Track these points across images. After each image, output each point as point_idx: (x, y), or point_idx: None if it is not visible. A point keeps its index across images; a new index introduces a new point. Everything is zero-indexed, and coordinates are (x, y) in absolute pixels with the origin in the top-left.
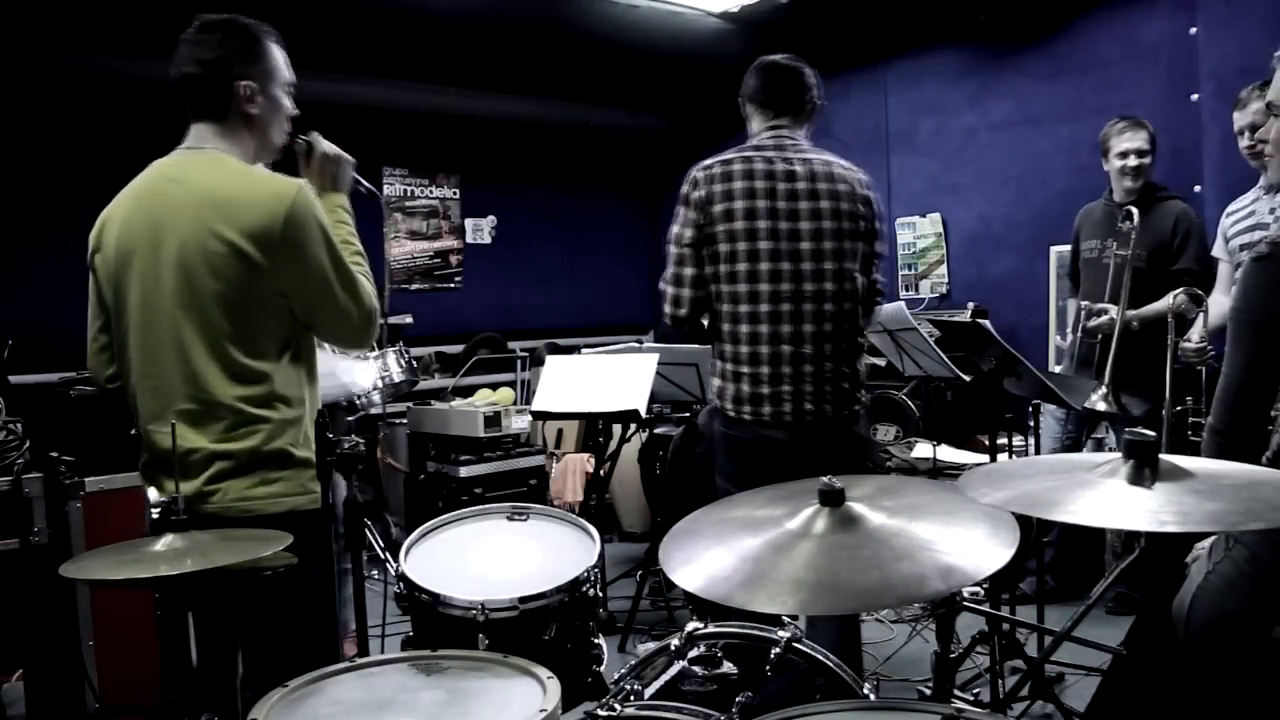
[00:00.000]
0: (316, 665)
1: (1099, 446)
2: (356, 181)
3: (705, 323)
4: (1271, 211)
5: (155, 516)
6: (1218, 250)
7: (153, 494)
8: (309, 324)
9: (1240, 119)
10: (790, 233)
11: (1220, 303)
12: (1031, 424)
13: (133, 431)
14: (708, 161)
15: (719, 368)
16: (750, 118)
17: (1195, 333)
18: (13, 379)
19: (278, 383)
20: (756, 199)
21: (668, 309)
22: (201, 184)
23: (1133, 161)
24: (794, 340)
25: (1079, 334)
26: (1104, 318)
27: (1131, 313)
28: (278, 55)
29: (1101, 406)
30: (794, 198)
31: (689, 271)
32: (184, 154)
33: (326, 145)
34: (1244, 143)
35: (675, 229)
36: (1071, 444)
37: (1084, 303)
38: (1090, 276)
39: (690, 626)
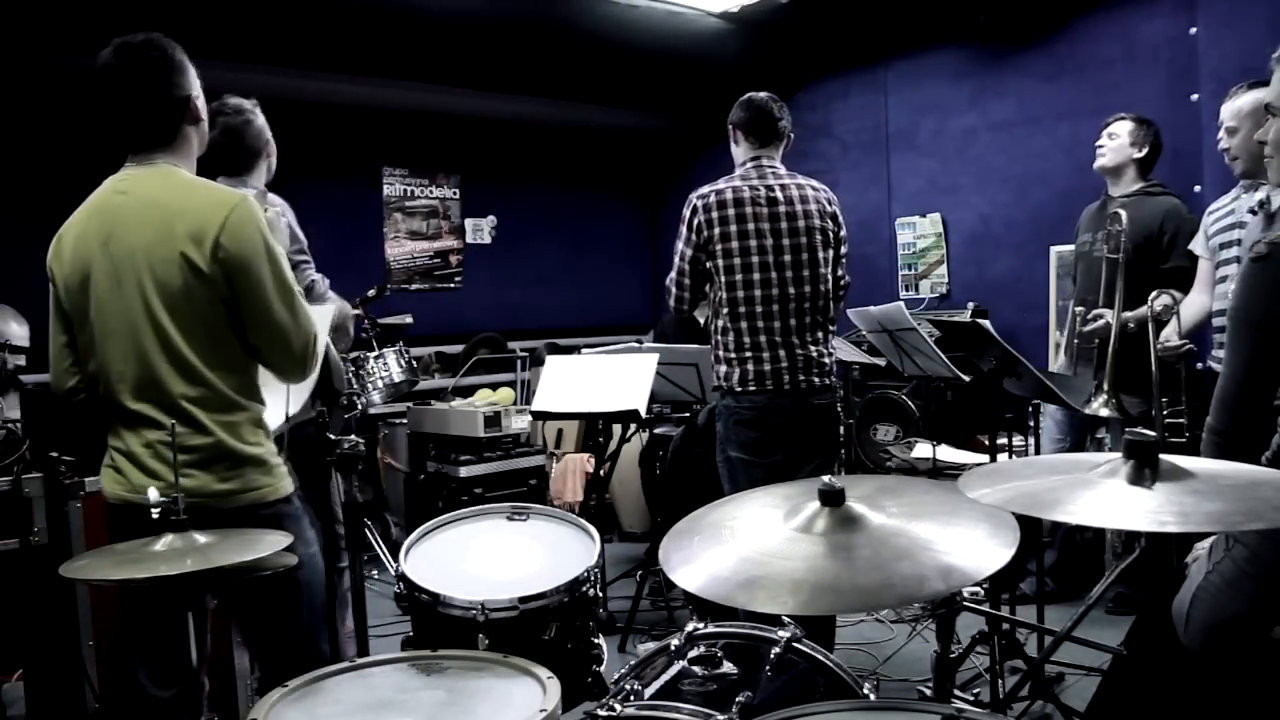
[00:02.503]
0: (307, 655)
1: (1099, 448)
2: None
3: (702, 321)
4: (1250, 211)
5: (155, 516)
6: (1198, 248)
7: (152, 494)
8: (252, 343)
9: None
10: (775, 247)
11: (1196, 301)
12: (1031, 424)
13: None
14: (704, 190)
15: (725, 357)
16: (738, 141)
17: (1168, 331)
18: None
19: (226, 385)
20: (747, 223)
21: (673, 303)
22: (148, 195)
23: (1101, 139)
24: (783, 332)
25: (1075, 338)
26: (1099, 322)
27: (1127, 314)
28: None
29: (1104, 412)
30: (776, 219)
31: (688, 280)
32: (132, 168)
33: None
34: (1219, 135)
35: (679, 245)
36: (1071, 446)
37: (1078, 308)
38: (1083, 270)
39: (690, 626)
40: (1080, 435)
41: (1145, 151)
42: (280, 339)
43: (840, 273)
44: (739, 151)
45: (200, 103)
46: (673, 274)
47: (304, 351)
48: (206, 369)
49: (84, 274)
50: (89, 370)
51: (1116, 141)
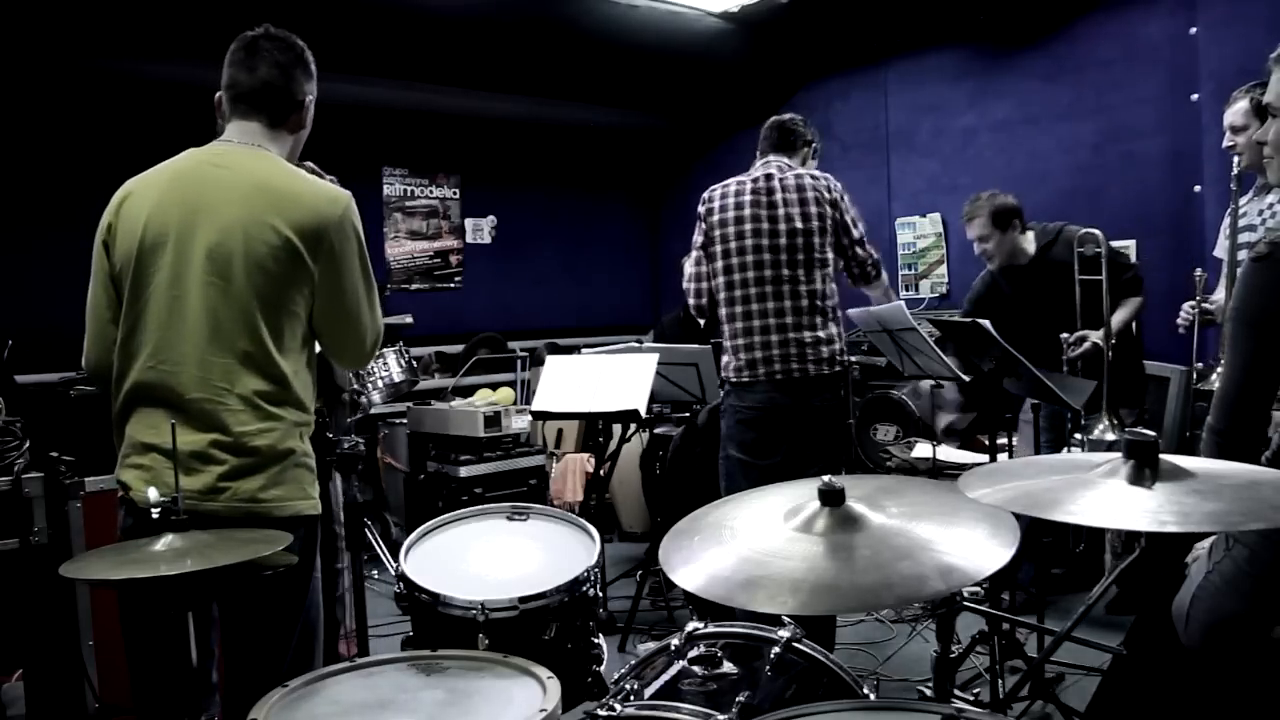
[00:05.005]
0: (305, 670)
1: (1082, 448)
2: None
3: (702, 322)
4: (1260, 214)
5: (155, 516)
6: (1220, 251)
7: (153, 493)
8: (324, 332)
9: (1225, 118)
10: (771, 232)
11: (1221, 301)
12: (1027, 424)
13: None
14: (713, 186)
15: (725, 346)
16: (761, 155)
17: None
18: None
19: (295, 384)
20: (744, 209)
21: (691, 301)
22: (254, 174)
23: (976, 249)
24: (776, 314)
25: (1064, 365)
26: (1085, 345)
27: (1096, 335)
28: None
29: (1110, 436)
30: (773, 206)
31: (704, 270)
32: (227, 145)
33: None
34: (1225, 141)
35: (695, 238)
36: (1051, 445)
37: (1063, 335)
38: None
39: (690, 626)
40: (1058, 434)
41: (1017, 224)
42: (357, 334)
43: (863, 253)
44: (757, 162)
45: (308, 116)
46: (689, 271)
47: (374, 345)
48: (284, 363)
49: (158, 241)
50: (131, 349)
51: (994, 243)
